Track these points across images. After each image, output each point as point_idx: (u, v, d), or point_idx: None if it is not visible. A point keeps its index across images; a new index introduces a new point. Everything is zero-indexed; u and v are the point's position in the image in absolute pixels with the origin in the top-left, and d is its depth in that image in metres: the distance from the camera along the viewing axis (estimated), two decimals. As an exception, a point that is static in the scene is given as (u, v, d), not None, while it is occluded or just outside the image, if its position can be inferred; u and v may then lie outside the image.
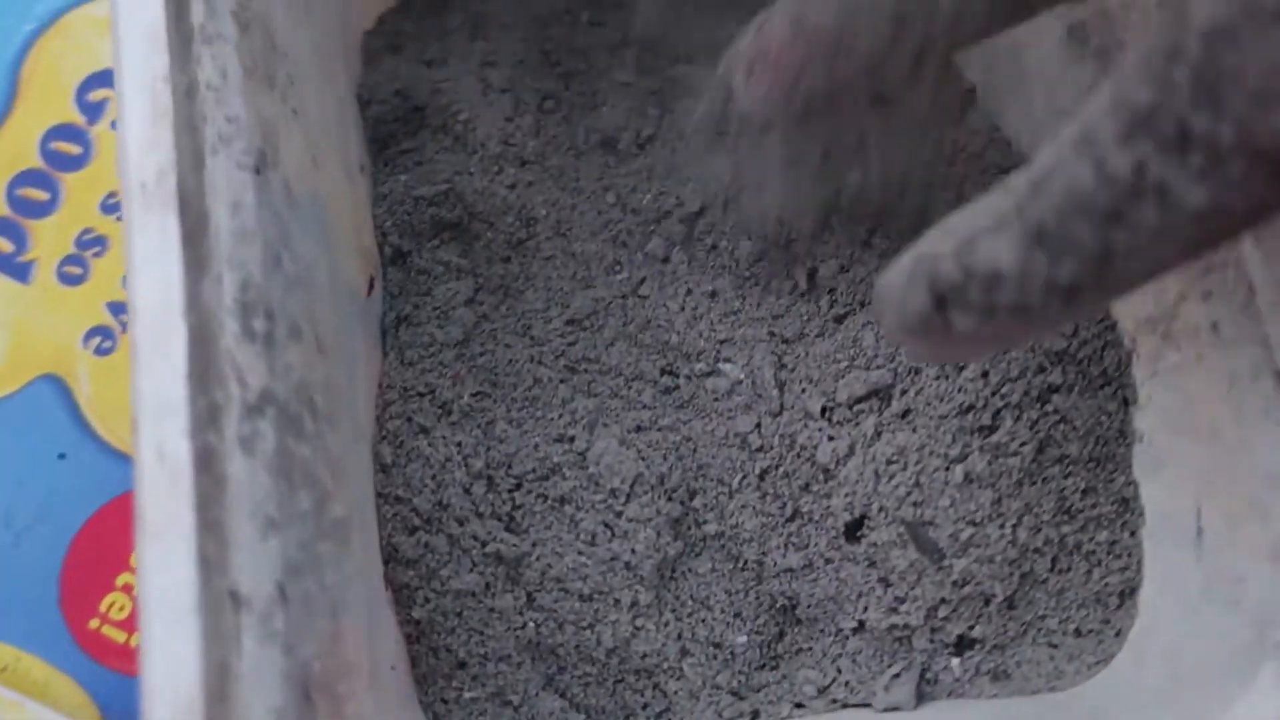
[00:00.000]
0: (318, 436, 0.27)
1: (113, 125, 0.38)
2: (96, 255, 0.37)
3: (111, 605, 0.33)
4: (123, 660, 0.33)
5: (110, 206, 0.37)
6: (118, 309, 0.36)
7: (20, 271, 0.36)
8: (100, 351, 0.36)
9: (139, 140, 0.22)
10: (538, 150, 0.37)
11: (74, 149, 0.38)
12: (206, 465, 0.22)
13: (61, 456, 0.35)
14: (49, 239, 0.37)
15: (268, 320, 0.25)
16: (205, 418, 0.22)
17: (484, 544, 0.31)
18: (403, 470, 0.31)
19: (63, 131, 0.38)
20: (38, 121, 0.38)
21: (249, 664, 0.22)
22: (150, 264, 0.22)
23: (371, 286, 0.34)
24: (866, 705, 0.31)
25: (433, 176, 0.36)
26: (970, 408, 0.30)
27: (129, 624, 0.33)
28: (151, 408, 0.21)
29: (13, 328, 0.36)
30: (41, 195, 0.37)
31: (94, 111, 0.38)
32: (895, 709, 0.30)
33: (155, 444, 0.21)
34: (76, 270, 0.36)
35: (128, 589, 0.34)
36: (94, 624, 0.33)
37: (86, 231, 0.37)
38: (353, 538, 0.28)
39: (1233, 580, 0.26)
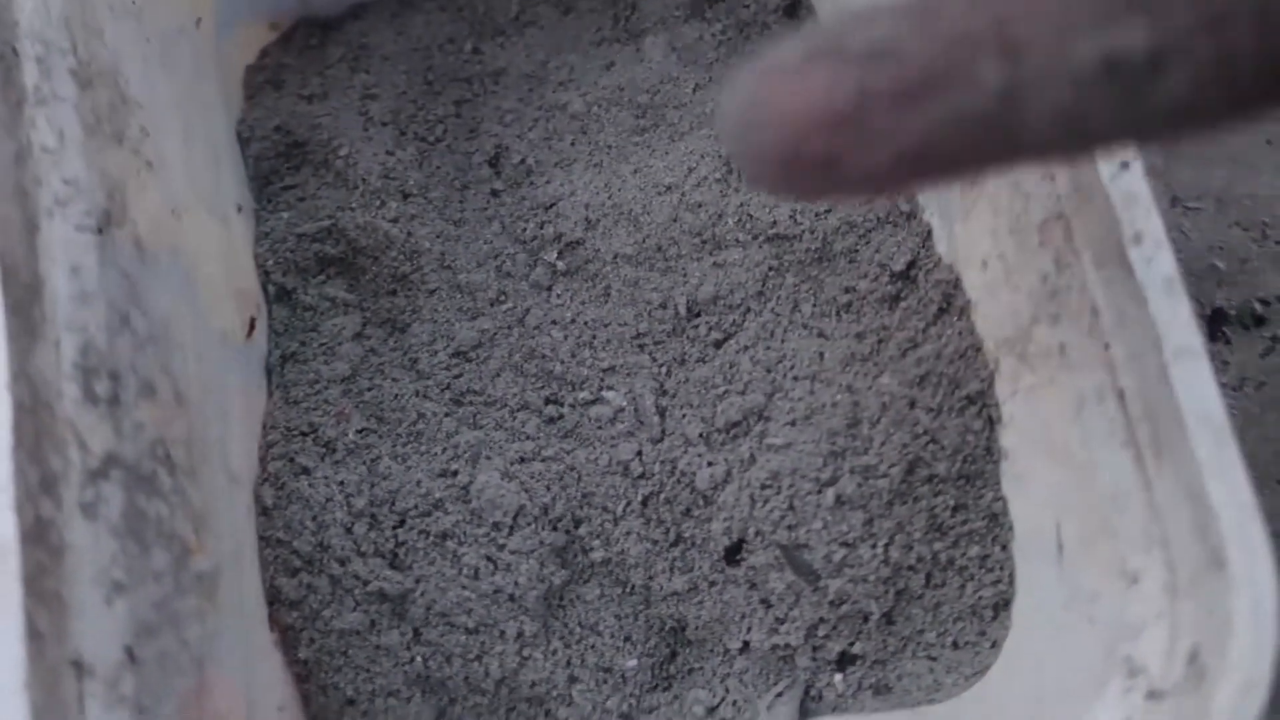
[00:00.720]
0: (177, 492, 0.27)
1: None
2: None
3: None
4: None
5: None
6: None
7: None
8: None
9: (-40, 213, 0.22)
10: (420, 182, 0.37)
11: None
12: (40, 536, 0.22)
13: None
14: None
15: (113, 381, 0.25)
16: (38, 489, 0.22)
17: (366, 582, 0.31)
18: (283, 512, 0.31)
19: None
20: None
21: (93, 732, 0.22)
22: (-28, 339, 0.22)
23: (252, 328, 0.34)
24: (752, 725, 0.31)
25: (315, 213, 0.36)
26: (839, 430, 0.30)
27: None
28: (-25, 485, 0.21)
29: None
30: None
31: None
32: (778, 729, 0.31)
33: (-19, 521, 0.21)
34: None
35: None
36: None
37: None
38: (221, 588, 0.28)
39: (1089, 597, 0.27)
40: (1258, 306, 0.39)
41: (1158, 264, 0.24)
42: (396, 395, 0.34)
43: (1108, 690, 0.25)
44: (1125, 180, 0.25)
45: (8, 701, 0.20)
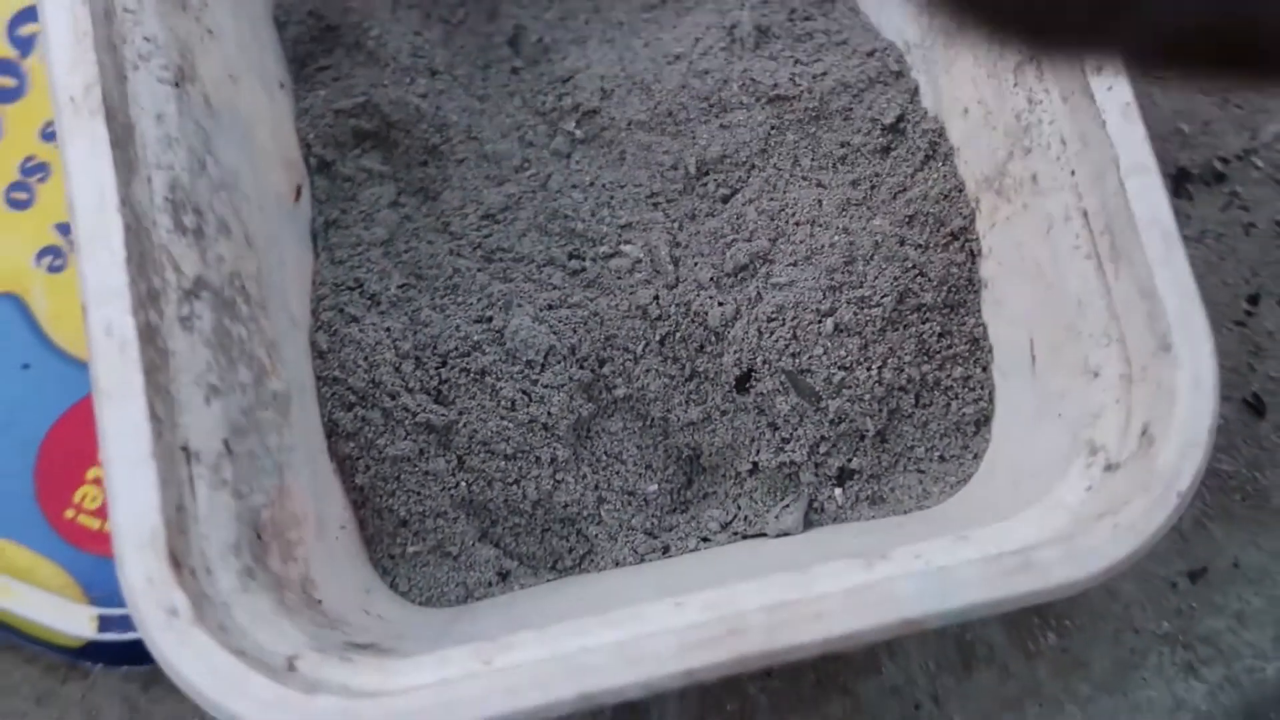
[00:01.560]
0: (253, 320, 0.30)
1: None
2: (40, 180, 0.39)
3: (84, 496, 0.37)
4: (97, 543, 0.37)
5: (50, 134, 0.40)
6: (66, 229, 0.39)
7: (-29, 201, 0.39)
8: (52, 269, 0.39)
9: (63, 59, 0.25)
10: (447, 61, 0.40)
11: (9, 82, 0.40)
12: (150, 339, 0.25)
13: (26, 367, 0.38)
14: (-6, 169, 0.39)
15: (197, 216, 0.28)
16: (146, 299, 0.25)
17: (415, 415, 0.35)
18: (338, 355, 0.35)
19: (-3, 67, 0.40)
20: (-27, 59, 0.40)
21: (204, 506, 0.25)
22: (84, 166, 0.25)
23: (299, 194, 0.37)
24: (762, 535, 0.35)
25: (350, 90, 0.39)
26: (837, 267, 0.34)
27: (100, 512, 0.37)
28: (97, 291, 0.24)
29: (-31, 254, 0.38)
30: (-17, 129, 0.40)
31: (25, 45, 0.40)
32: (785, 534, 0.35)
33: (103, 322, 0.24)
34: (23, 196, 0.39)
35: (97, 481, 0.37)
36: (69, 514, 0.37)
37: (29, 159, 0.39)
38: (293, 411, 0.31)
39: (1057, 396, 0.31)
40: (1218, 165, 0.42)
41: (1117, 91, 0.28)
42: (432, 255, 0.38)
43: (1072, 468, 0.29)
44: (1089, 19, 0.28)
45: (139, 468, 0.24)
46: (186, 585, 0.24)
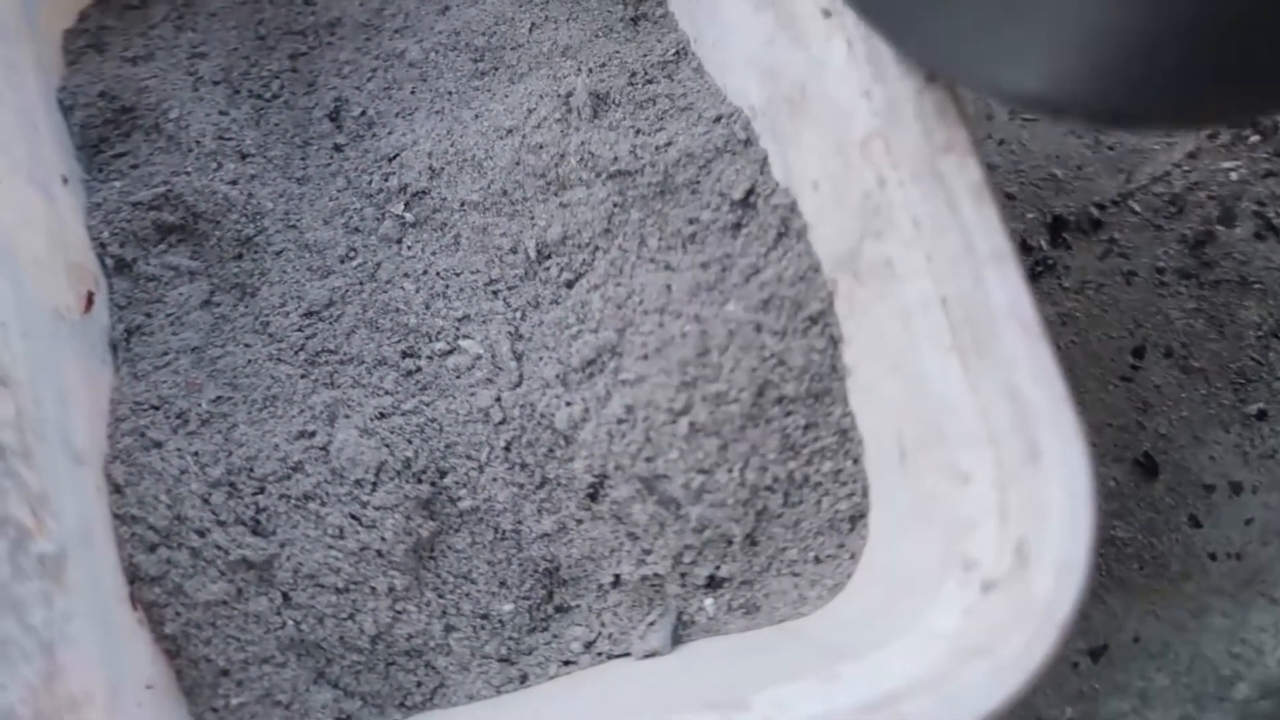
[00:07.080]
0: (9, 474, 0.26)
1: None
2: None
3: None
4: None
5: None
6: None
7: None
8: None
9: None
10: (258, 141, 0.36)
11: None
12: None
13: None
14: None
15: (-80, 367, 0.24)
16: None
17: (228, 551, 0.31)
18: (136, 488, 0.31)
19: None
20: None
21: (-75, 725, 0.21)
22: None
23: (90, 302, 0.33)
24: (629, 654, 0.32)
25: (149, 180, 0.35)
26: (689, 360, 0.31)
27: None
28: None
29: None
30: None
31: None
32: (653, 654, 0.31)
33: None
34: None
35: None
36: None
37: None
38: (70, 570, 0.27)
39: (927, 499, 0.28)
40: (1094, 211, 0.41)
41: (967, 172, 0.25)
42: (249, 361, 0.34)
43: (947, 585, 0.26)
44: (933, 93, 0.26)
45: None
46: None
